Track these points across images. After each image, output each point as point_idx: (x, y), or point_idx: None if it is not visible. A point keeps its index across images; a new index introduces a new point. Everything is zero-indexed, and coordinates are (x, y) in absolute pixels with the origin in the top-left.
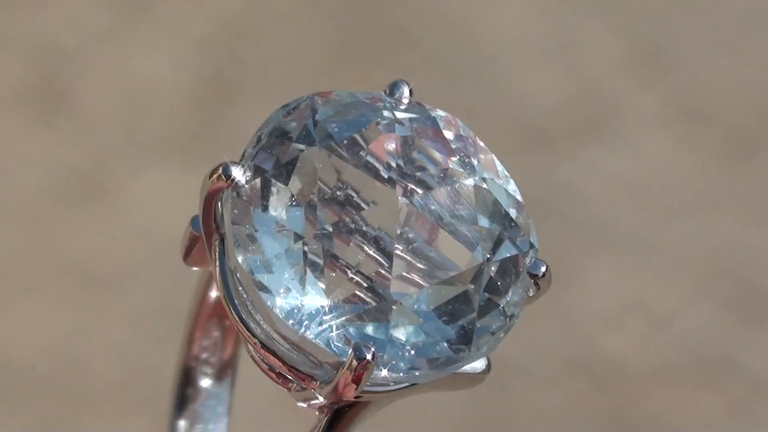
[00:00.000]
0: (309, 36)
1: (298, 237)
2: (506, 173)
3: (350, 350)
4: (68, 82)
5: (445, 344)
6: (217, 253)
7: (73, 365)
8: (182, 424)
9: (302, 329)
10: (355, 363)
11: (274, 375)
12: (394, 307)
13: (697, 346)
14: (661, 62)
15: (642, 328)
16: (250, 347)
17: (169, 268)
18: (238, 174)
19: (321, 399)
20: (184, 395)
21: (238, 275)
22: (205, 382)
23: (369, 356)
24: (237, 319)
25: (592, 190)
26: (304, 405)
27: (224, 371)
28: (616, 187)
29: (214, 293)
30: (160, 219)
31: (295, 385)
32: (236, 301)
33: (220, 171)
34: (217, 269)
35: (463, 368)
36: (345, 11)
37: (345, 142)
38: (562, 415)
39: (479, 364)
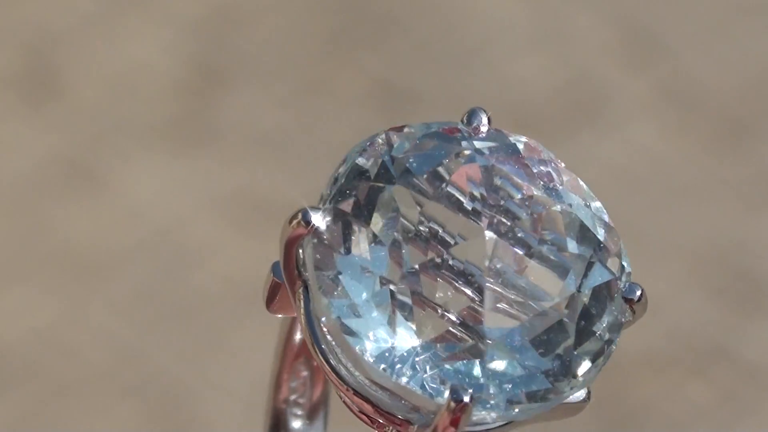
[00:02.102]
0: (299, 22)
1: (384, 278)
2: (592, 195)
3: (447, 393)
4: (57, 68)
5: (543, 376)
6: (302, 301)
7: (59, 352)
8: None
9: (394, 372)
10: (453, 405)
11: (366, 418)
12: (489, 341)
13: (687, 333)
14: (651, 49)
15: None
16: (343, 395)
17: (157, 255)
18: (318, 219)
19: None
20: None
21: (323, 321)
22: (297, 424)
23: (467, 398)
24: (327, 366)
25: (582, 178)
26: None
27: (315, 412)
28: (606, 175)
29: (299, 334)
30: (149, 206)
31: (390, 428)
32: (324, 348)
33: (300, 217)
34: (303, 317)
35: (564, 399)
36: None
37: (425, 176)
38: None
39: (579, 393)
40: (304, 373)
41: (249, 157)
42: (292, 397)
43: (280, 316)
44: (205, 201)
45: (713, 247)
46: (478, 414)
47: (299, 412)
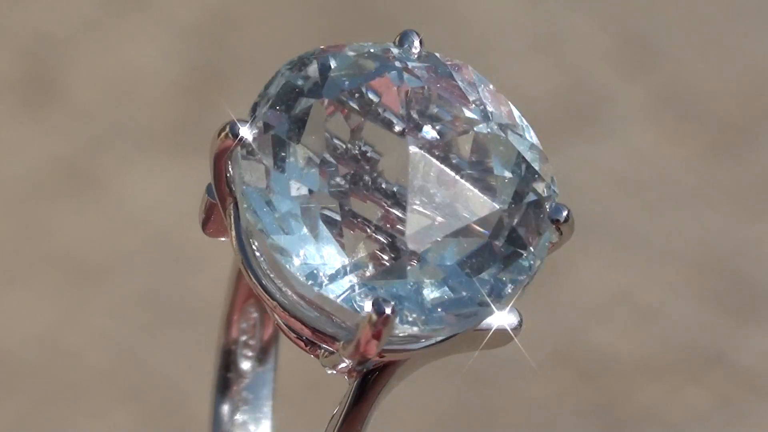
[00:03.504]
0: (297, 26)
1: (313, 194)
2: (523, 119)
3: (369, 304)
4: (56, 72)
5: (469, 295)
6: (232, 218)
7: (59, 355)
8: (226, 409)
9: (322, 290)
10: (374, 318)
11: (301, 343)
12: (414, 261)
13: (684, 338)
14: (649, 55)
15: (629, 320)
16: (275, 314)
17: (156, 258)
18: (246, 132)
19: (347, 362)
20: (226, 380)
21: (252, 238)
22: (246, 365)
23: (389, 310)
24: (256, 284)
25: (579, 183)
26: (333, 371)
27: (266, 352)
28: (604, 180)
29: None
30: (147, 209)
31: (323, 351)
32: (255, 266)
33: (228, 129)
34: (233, 234)
35: (496, 324)
36: (334, 3)
37: (356, 94)
38: (550, 407)
39: (512, 320)
40: (254, 315)
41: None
42: (243, 338)
43: (222, 239)
44: None
45: (711, 253)
46: (402, 327)
47: (249, 353)
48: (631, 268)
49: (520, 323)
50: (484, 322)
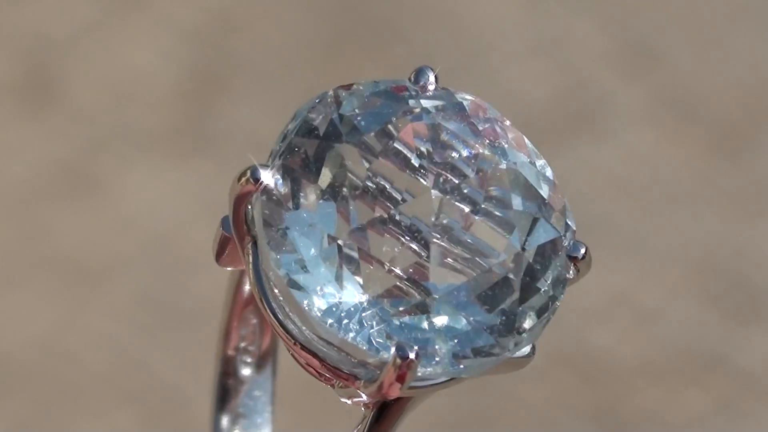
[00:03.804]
0: (298, 29)
1: (331, 234)
2: (537, 152)
3: (393, 349)
4: (56, 74)
5: (489, 333)
6: (250, 257)
7: (58, 358)
8: (226, 417)
9: (341, 328)
10: (398, 362)
11: (314, 371)
12: (435, 296)
13: (684, 341)
14: (649, 57)
15: (629, 323)
16: (293, 351)
17: (156, 261)
18: (267, 177)
19: (365, 397)
20: (226, 386)
21: (272, 276)
22: (246, 372)
23: (412, 355)
24: (275, 321)
25: (579, 185)
26: (349, 401)
27: (265, 359)
28: (604, 182)
29: (248, 284)
30: (147, 212)
31: (337, 381)
32: (273, 304)
33: (249, 174)
34: (251, 272)
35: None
36: (334, 5)
37: (372, 134)
38: (549, 409)
39: (524, 348)
40: (254, 321)
41: (248, 163)
42: (242, 345)
43: (229, 269)
44: (204, 207)
45: (710, 255)
46: (424, 370)
47: (249, 360)
48: (631, 270)
49: (533, 351)
50: None
